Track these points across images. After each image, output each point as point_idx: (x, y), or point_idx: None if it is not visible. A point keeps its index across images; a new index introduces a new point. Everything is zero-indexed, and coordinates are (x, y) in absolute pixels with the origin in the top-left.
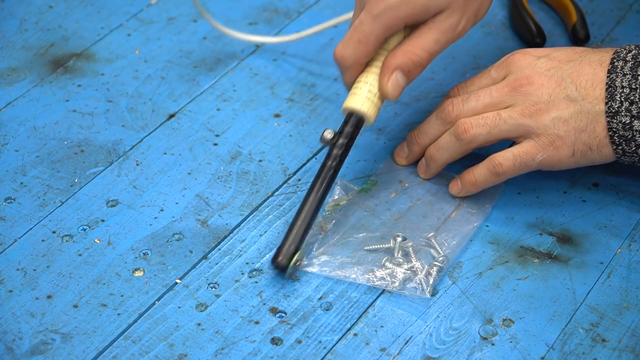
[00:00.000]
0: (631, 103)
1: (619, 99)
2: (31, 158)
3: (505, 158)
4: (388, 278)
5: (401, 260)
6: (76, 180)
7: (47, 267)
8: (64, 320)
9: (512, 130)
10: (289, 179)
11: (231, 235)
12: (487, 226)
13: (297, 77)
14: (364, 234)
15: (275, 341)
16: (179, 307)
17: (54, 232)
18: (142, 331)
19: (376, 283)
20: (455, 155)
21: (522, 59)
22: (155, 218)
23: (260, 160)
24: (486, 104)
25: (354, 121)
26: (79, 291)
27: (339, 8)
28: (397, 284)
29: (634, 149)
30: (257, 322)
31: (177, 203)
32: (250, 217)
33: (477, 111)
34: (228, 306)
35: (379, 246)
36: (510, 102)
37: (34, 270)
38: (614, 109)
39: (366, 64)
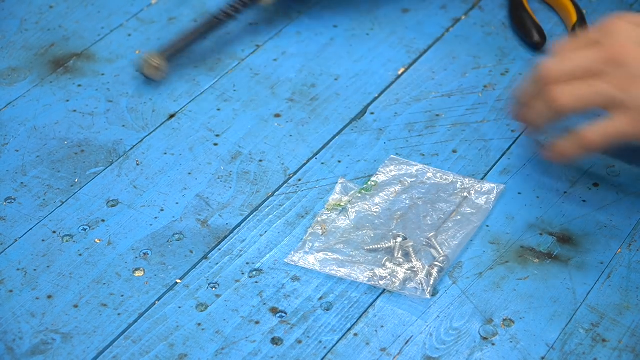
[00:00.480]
0: None
1: None
2: (31, 158)
3: (596, 134)
4: (388, 278)
5: (401, 260)
6: (76, 180)
7: (48, 267)
8: (64, 320)
9: (603, 102)
10: (289, 179)
11: (231, 235)
12: (487, 226)
13: (297, 77)
14: (364, 234)
15: (276, 341)
16: (179, 307)
17: (54, 232)
18: (143, 331)
19: (376, 283)
20: (551, 119)
21: (620, 25)
22: (156, 218)
23: (261, 160)
24: (580, 68)
25: None
26: (79, 291)
27: (339, 9)
28: (397, 283)
29: None
30: (257, 322)
31: (177, 203)
32: (251, 217)
33: (568, 74)
34: (228, 306)
35: (379, 246)
36: (605, 71)
37: (34, 270)
38: None
39: None
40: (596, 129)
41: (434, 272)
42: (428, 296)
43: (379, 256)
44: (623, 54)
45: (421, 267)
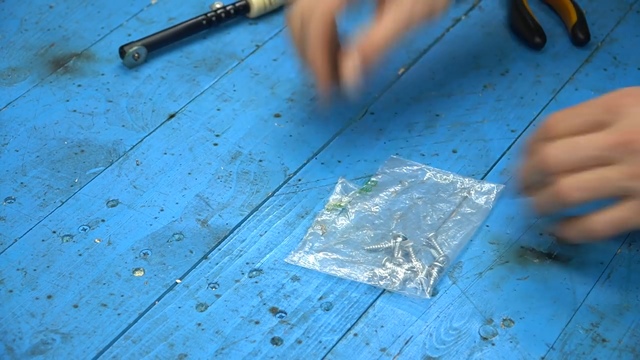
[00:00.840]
0: None
1: None
2: (31, 158)
3: (604, 223)
4: (388, 277)
5: (401, 260)
6: (76, 180)
7: (47, 267)
8: (64, 320)
9: (616, 192)
10: (289, 179)
11: (231, 235)
12: (487, 226)
13: (297, 77)
14: (364, 234)
15: (276, 341)
16: (179, 307)
17: (54, 232)
18: (142, 331)
19: (376, 283)
20: (555, 210)
21: (633, 104)
22: (156, 218)
23: (261, 160)
24: (588, 157)
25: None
26: (79, 291)
27: None
28: (397, 284)
29: None
30: (257, 322)
31: (177, 203)
32: (251, 217)
33: (579, 165)
34: (228, 306)
35: (379, 246)
36: (616, 158)
37: (34, 270)
38: None
39: None
40: (604, 217)
41: (434, 272)
42: (428, 296)
43: (378, 256)
44: (637, 140)
45: (421, 267)
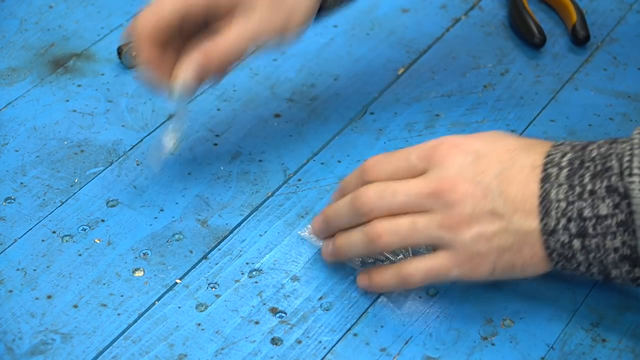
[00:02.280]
0: (569, 220)
1: (554, 215)
2: (31, 158)
3: (417, 270)
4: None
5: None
6: (76, 180)
7: (47, 267)
8: (64, 320)
9: (427, 242)
10: (289, 179)
11: (231, 235)
12: None
13: (297, 77)
14: None
15: (275, 341)
16: (179, 307)
17: (54, 232)
18: (142, 331)
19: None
20: (365, 254)
21: (448, 154)
22: (155, 218)
23: (260, 160)
24: (402, 203)
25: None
26: (79, 291)
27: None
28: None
29: (575, 266)
30: (257, 322)
31: (177, 203)
32: (251, 217)
33: (392, 210)
34: (228, 306)
35: None
36: (428, 206)
37: (34, 270)
38: (550, 226)
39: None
40: (418, 265)
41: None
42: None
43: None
44: (452, 190)
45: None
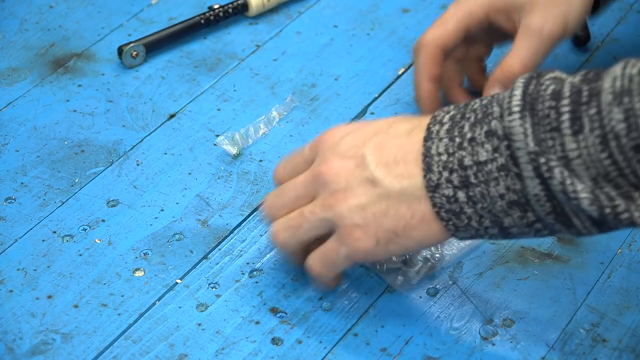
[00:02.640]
0: (451, 171)
1: (436, 169)
2: (31, 158)
3: (314, 260)
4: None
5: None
6: (76, 180)
7: (48, 267)
8: (64, 320)
9: (317, 227)
10: None
11: (232, 235)
12: None
13: (297, 77)
14: None
15: (276, 341)
16: (180, 307)
17: (54, 232)
18: (143, 331)
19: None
20: (283, 254)
21: (329, 138)
22: (156, 218)
23: (261, 160)
24: (293, 199)
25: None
26: (80, 291)
27: (339, 8)
28: (384, 268)
29: (466, 222)
30: (257, 322)
31: (177, 203)
32: (251, 217)
33: (288, 207)
34: (228, 306)
35: None
36: (313, 193)
37: (35, 270)
38: (433, 182)
39: None
40: (314, 254)
41: (423, 267)
42: (409, 287)
43: None
44: (328, 169)
45: (414, 263)
